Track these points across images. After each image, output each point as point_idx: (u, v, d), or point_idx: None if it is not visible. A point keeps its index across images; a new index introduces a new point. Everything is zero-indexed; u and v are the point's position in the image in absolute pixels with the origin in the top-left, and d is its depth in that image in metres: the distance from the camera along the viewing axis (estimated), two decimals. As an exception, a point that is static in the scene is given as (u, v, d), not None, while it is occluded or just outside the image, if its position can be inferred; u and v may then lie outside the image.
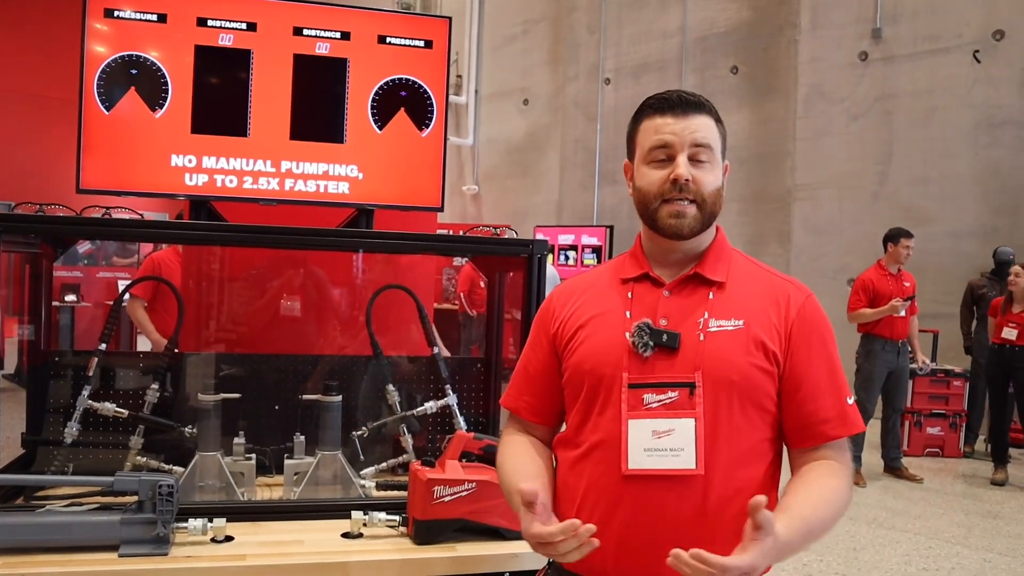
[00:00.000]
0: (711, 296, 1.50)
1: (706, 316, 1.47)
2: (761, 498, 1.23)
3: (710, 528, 1.40)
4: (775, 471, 1.51)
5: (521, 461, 1.60)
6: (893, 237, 6.45)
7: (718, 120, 1.53)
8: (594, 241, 11.39)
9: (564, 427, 1.62)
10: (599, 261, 11.29)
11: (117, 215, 2.15)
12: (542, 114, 13.71)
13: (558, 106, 13.33)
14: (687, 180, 1.45)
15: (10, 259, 2.36)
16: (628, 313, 1.51)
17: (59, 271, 9.87)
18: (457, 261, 11.12)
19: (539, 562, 1.95)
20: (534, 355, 1.66)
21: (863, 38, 9.31)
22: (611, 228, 11.40)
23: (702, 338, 1.45)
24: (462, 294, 9.48)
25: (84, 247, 10.48)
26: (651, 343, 1.45)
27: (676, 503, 1.41)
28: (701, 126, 1.48)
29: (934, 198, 8.72)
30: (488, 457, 2.03)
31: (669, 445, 1.42)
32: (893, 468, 6.67)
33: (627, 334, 1.47)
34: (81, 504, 1.96)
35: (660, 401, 1.45)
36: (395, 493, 2.27)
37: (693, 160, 1.47)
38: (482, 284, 9.45)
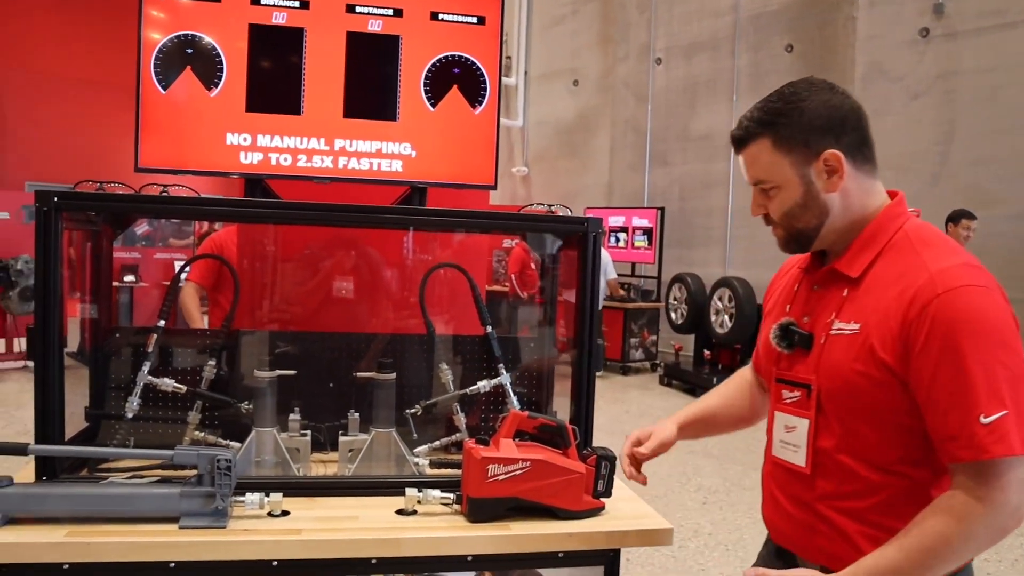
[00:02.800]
0: (844, 293, 1.50)
1: (833, 316, 1.50)
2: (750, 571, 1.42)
3: (829, 518, 1.49)
4: (917, 494, 1.41)
5: (716, 390, 1.96)
6: (954, 218, 6.29)
7: (777, 130, 1.49)
8: (645, 223, 11.27)
9: None
10: (650, 244, 11.18)
11: (175, 194, 2.18)
12: (592, 95, 13.60)
13: (608, 87, 13.20)
14: (763, 215, 1.57)
15: (72, 239, 2.41)
16: (788, 307, 1.63)
17: (118, 252, 10.08)
18: (507, 243, 11.14)
19: (595, 543, 1.95)
20: (764, 324, 1.77)
21: (924, 14, 9.03)
22: (662, 210, 11.27)
23: (823, 340, 1.50)
24: (513, 275, 9.48)
25: (142, 228, 10.71)
26: (784, 343, 1.58)
27: (795, 493, 1.57)
28: (749, 162, 1.54)
29: (998, 179, 8.44)
30: (542, 436, 2.02)
31: (792, 440, 1.56)
32: None
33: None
34: (142, 477, 1.99)
35: (791, 398, 1.57)
36: (448, 471, 2.27)
37: (761, 192, 1.55)
38: (532, 265, 9.44)
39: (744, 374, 1.95)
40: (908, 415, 1.39)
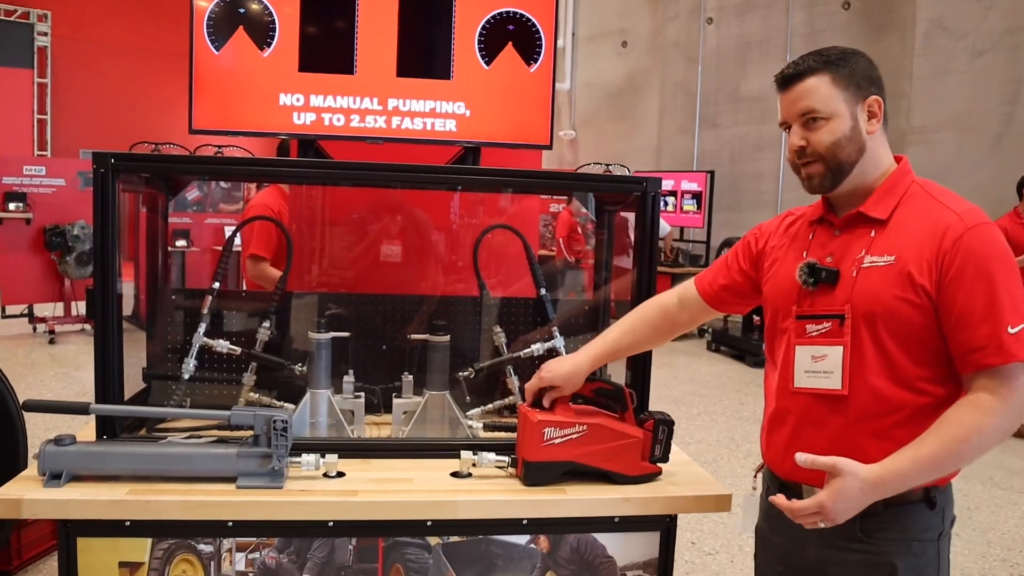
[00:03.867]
0: (872, 234, 1.64)
1: (863, 253, 1.63)
2: (801, 456, 1.53)
3: (853, 441, 1.61)
4: (934, 410, 1.56)
5: (621, 322, 2.04)
6: (1027, 184, 6.09)
7: (837, 68, 1.63)
8: (694, 187, 11.10)
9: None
10: (699, 208, 11.01)
11: (229, 154, 2.17)
12: (641, 56, 13.36)
13: (657, 47, 12.94)
14: (801, 147, 1.65)
15: (126, 203, 2.41)
16: (805, 253, 1.74)
17: (170, 217, 10.22)
18: (554, 207, 11.07)
19: (652, 508, 1.92)
20: (740, 250, 1.93)
21: (991, -34, 8.66)
22: (712, 173, 11.07)
23: (855, 274, 1.63)
24: (560, 239, 9.41)
25: (193, 194, 10.84)
26: (811, 280, 1.67)
27: (827, 417, 1.65)
28: (803, 93, 1.64)
29: (1067, 139, 8.12)
30: (599, 400, 1.99)
31: (823, 368, 1.65)
32: (1012, 425, 6.35)
33: (796, 271, 1.70)
34: (199, 437, 2.01)
35: (818, 330, 1.67)
36: (502, 434, 2.26)
37: (806, 125, 1.64)
38: (579, 230, 9.34)
39: (662, 303, 2.03)
40: (935, 336, 1.57)
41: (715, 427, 6.28)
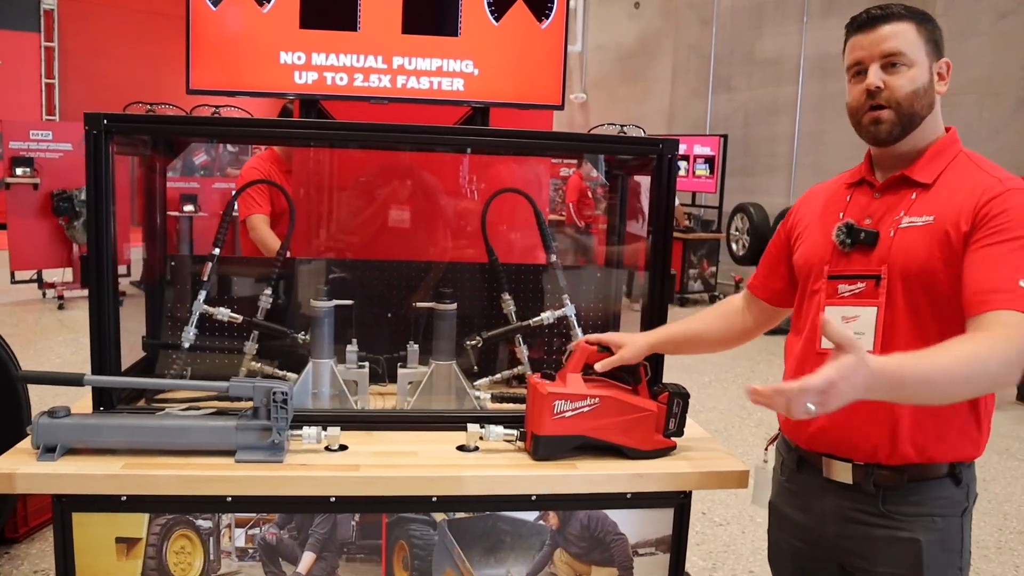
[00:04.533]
0: (914, 196, 1.61)
1: (902, 214, 1.60)
2: (826, 319, 1.36)
3: (886, 407, 1.56)
4: None
5: (696, 316, 2.02)
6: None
7: (921, 21, 1.60)
8: (707, 151, 10.92)
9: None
10: (711, 172, 10.85)
11: (227, 115, 2.08)
12: (653, 18, 13.12)
13: (671, 9, 12.70)
14: (878, 87, 1.58)
15: (132, 166, 2.34)
16: (842, 214, 1.70)
17: (177, 182, 10.17)
18: (564, 171, 10.93)
19: (665, 484, 1.85)
20: (774, 242, 1.90)
21: (1016, -77, 8.39)
22: (725, 137, 10.89)
23: (892, 234, 1.59)
24: (570, 204, 9.30)
25: (200, 158, 10.75)
26: (848, 240, 1.64)
27: None
28: (891, 34, 1.58)
29: (1090, 104, 7.92)
30: (611, 371, 1.91)
31: (855, 329, 1.59)
32: (1028, 396, 6.26)
33: (832, 232, 1.67)
34: (199, 408, 1.95)
35: (851, 291, 1.64)
36: (511, 406, 2.18)
37: (886, 68, 1.59)
38: (590, 194, 9.22)
39: (732, 302, 2.01)
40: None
41: (726, 395, 6.21)
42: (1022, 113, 8.32)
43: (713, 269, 10.45)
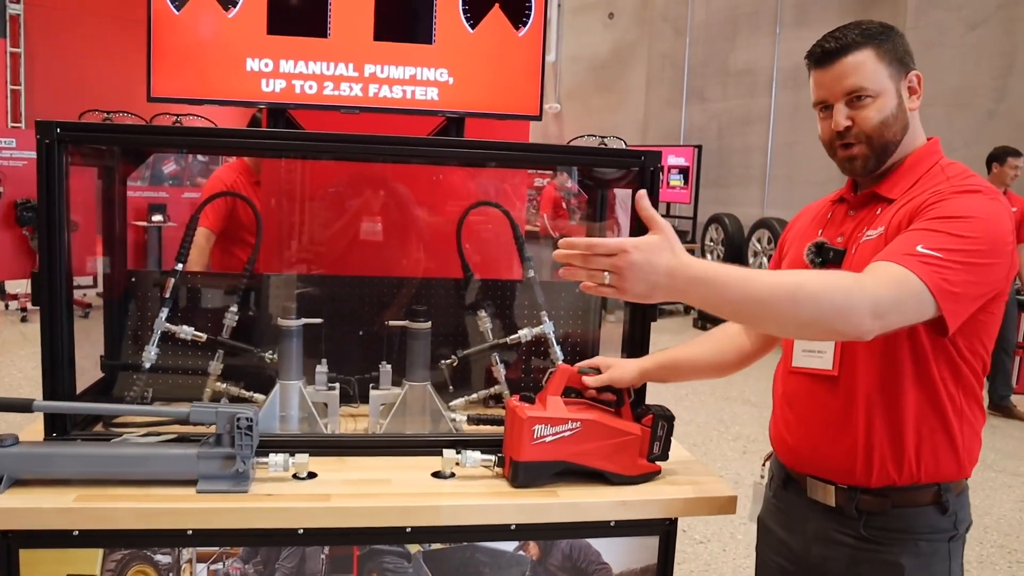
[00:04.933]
0: (879, 212, 1.58)
1: (865, 230, 1.57)
2: (642, 192, 1.36)
3: (846, 420, 1.56)
4: (927, 372, 1.51)
5: (691, 341, 1.96)
6: (998, 156, 5.96)
7: (881, 43, 1.54)
8: (681, 161, 10.93)
9: None
10: (686, 183, 10.85)
11: (189, 124, 1.98)
12: (628, 28, 13.13)
13: (645, 19, 12.72)
14: (847, 127, 1.55)
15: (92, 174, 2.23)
16: (820, 232, 1.67)
17: (145, 191, 9.99)
18: (538, 182, 10.87)
19: (651, 512, 1.77)
20: (771, 262, 1.89)
21: (985, -65, 8.47)
22: (699, 148, 10.90)
23: (854, 251, 1.57)
24: (544, 215, 9.23)
25: (169, 168, 10.56)
26: (818, 259, 1.62)
27: (821, 396, 1.60)
28: (850, 70, 1.53)
29: (1060, 115, 7.98)
30: (592, 393, 1.83)
31: (818, 348, 1.60)
32: (1002, 407, 6.26)
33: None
34: (159, 434, 1.84)
35: None
36: (488, 428, 2.09)
37: (851, 104, 1.54)
38: (564, 205, 9.15)
39: (727, 328, 1.92)
40: None
41: (704, 408, 6.16)
42: (993, 124, 8.38)
43: (688, 279, 10.44)
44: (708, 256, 10.48)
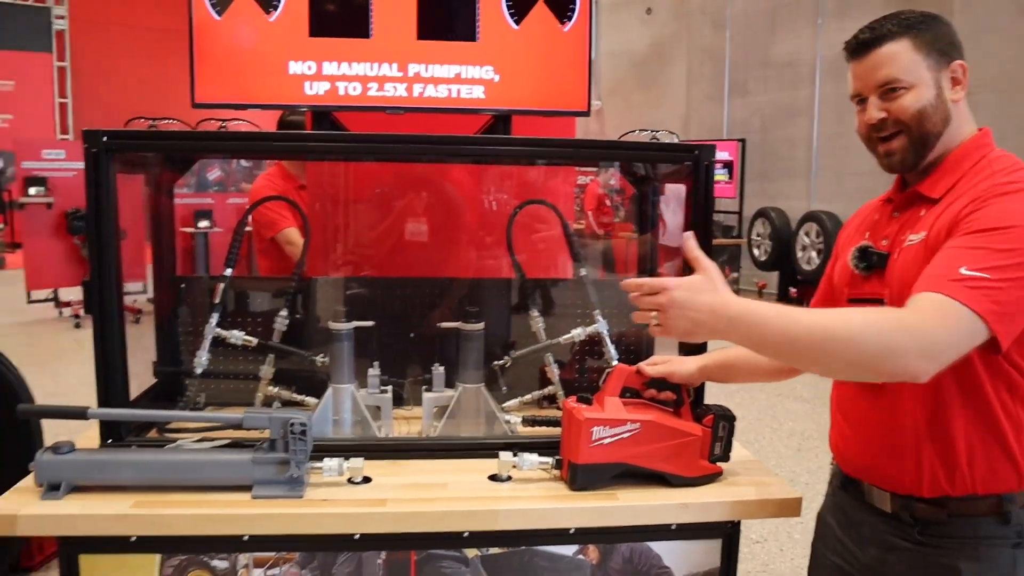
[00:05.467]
0: (923, 213, 1.51)
1: (908, 234, 1.51)
2: (690, 234, 1.42)
3: (893, 430, 1.49)
4: (978, 388, 1.43)
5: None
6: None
7: (919, 32, 1.48)
8: (725, 156, 10.77)
9: None
10: (730, 177, 10.71)
11: (234, 129, 1.98)
12: (666, 23, 13.00)
13: (683, 13, 12.58)
14: (882, 119, 1.50)
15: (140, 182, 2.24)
16: (867, 234, 1.61)
17: (191, 198, 10.13)
18: (581, 179, 10.81)
19: (713, 514, 1.72)
20: (829, 263, 1.77)
21: (1038, -86, 8.22)
22: (743, 142, 10.74)
23: (896, 255, 1.51)
24: (589, 212, 9.17)
25: (214, 174, 10.70)
26: (861, 264, 1.57)
27: (868, 406, 1.55)
28: (884, 61, 1.48)
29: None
30: (651, 393, 1.78)
31: None
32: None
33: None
34: (212, 439, 1.83)
35: None
36: (543, 430, 2.06)
37: (885, 96, 1.49)
38: (608, 203, 9.10)
39: None
40: None
41: (755, 404, 6.05)
42: (1045, 111, 8.12)
43: (735, 275, 10.31)
44: (755, 251, 10.33)
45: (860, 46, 1.51)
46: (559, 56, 2.20)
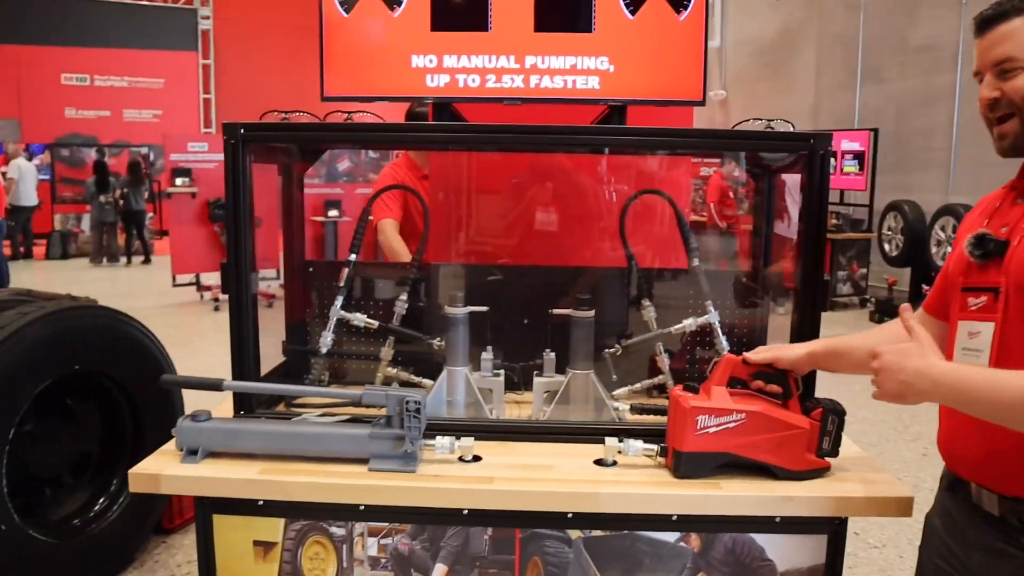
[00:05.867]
0: None
1: None
2: (907, 306, 1.45)
3: (1003, 428, 1.37)
4: None
5: (866, 331, 1.83)
6: None
7: None
8: (855, 146, 10.35)
9: None
10: (861, 169, 10.28)
11: (359, 120, 2.09)
12: (796, 8, 12.59)
13: (815, -2, 12.15)
14: (995, 99, 1.45)
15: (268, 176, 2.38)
16: (986, 222, 1.55)
17: (322, 188, 10.57)
18: (704, 171, 10.64)
19: (818, 509, 1.70)
20: (949, 256, 1.69)
21: None
22: (875, 131, 10.28)
23: (1016, 243, 1.45)
24: (711, 204, 9.03)
25: (343, 165, 11.11)
26: (977, 251, 1.50)
27: None
28: (1002, 38, 1.44)
29: None
30: (759, 385, 1.78)
31: (975, 346, 1.48)
32: None
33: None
34: (334, 415, 1.94)
35: (977, 304, 1.49)
36: (651, 418, 2.08)
37: (1001, 75, 1.44)
38: (731, 194, 8.93)
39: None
40: None
41: (879, 405, 5.79)
42: None
43: (864, 271, 9.91)
44: (886, 246, 9.90)
45: (983, 22, 1.47)
46: (675, 46, 2.20)
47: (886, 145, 10.46)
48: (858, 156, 10.30)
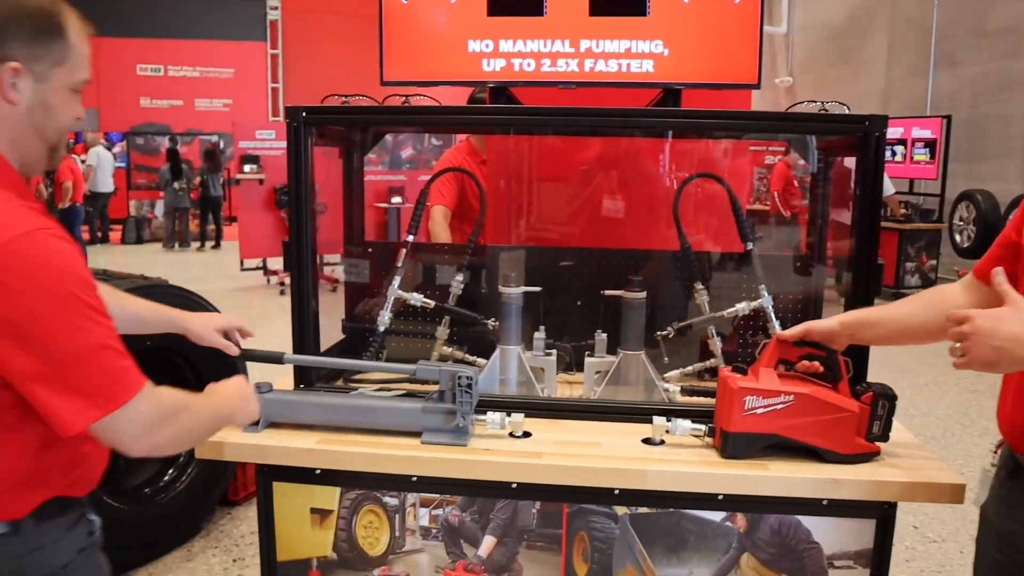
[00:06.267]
0: None
1: None
2: (999, 269, 1.35)
3: None
4: None
5: (902, 300, 1.76)
6: None
7: None
8: (927, 134, 10.06)
9: None
10: (932, 157, 9.99)
11: (416, 103, 2.14)
12: (868, -8, 12.27)
13: (887, -19, 11.83)
14: None
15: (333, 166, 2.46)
16: None
17: (386, 175, 10.72)
18: (769, 159, 10.48)
19: (866, 493, 1.69)
20: (1010, 223, 1.62)
21: None
22: (948, 118, 9.98)
23: None
24: (775, 193, 8.88)
25: (406, 152, 11.25)
26: None
27: None
28: None
29: None
30: (808, 367, 1.78)
31: None
32: None
33: None
34: (390, 389, 2.01)
35: None
36: (700, 400, 2.09)
37: None
38: (796, 183, 8.75)
39: (944, 288, 1.73)
40: None
41: (945, 399, 5.70)
42: None
43: (933, 262, 9.64)
44: (957, 237, 9.64)
45: None
46: (729, 29, 2.19)
47: (959, 133, 10.14)
48: (929, 144, 10.02)
